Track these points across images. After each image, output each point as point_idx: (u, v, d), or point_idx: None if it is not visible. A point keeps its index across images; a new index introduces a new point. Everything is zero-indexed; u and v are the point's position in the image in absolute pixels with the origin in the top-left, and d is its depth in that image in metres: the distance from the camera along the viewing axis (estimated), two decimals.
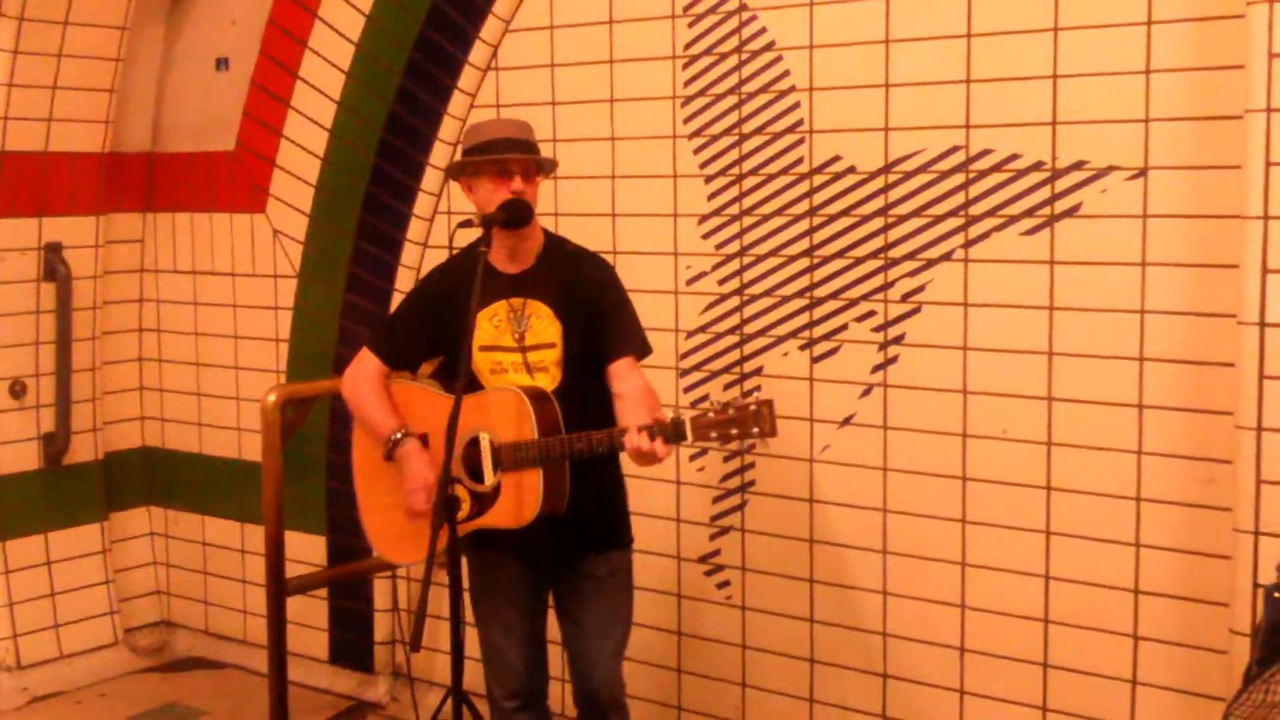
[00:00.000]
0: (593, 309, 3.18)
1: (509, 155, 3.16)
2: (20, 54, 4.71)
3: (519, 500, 3.10)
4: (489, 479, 3.14)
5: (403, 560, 3.35)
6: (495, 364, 3.22)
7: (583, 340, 3.17)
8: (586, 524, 3.18)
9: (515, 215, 3.23)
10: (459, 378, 3.07)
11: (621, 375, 3.14)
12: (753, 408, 2.81)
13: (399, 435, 3.24)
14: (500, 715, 3.38)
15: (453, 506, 3.16)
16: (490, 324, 3.22)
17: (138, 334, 5.40)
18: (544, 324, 3.19)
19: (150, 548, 5.46)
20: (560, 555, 3.24)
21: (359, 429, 3.40)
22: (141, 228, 5.36)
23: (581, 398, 3.15)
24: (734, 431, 2.82)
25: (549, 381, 3.18)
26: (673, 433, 2.88)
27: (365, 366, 3.35)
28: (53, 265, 4.96)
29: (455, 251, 3.37)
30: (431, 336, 3.28)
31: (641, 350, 3.25)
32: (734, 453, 3.95)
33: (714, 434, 2.84)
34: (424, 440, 3.24)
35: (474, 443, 3.16)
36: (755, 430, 2.81)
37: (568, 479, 3.09)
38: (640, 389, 3.12)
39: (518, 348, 3.20)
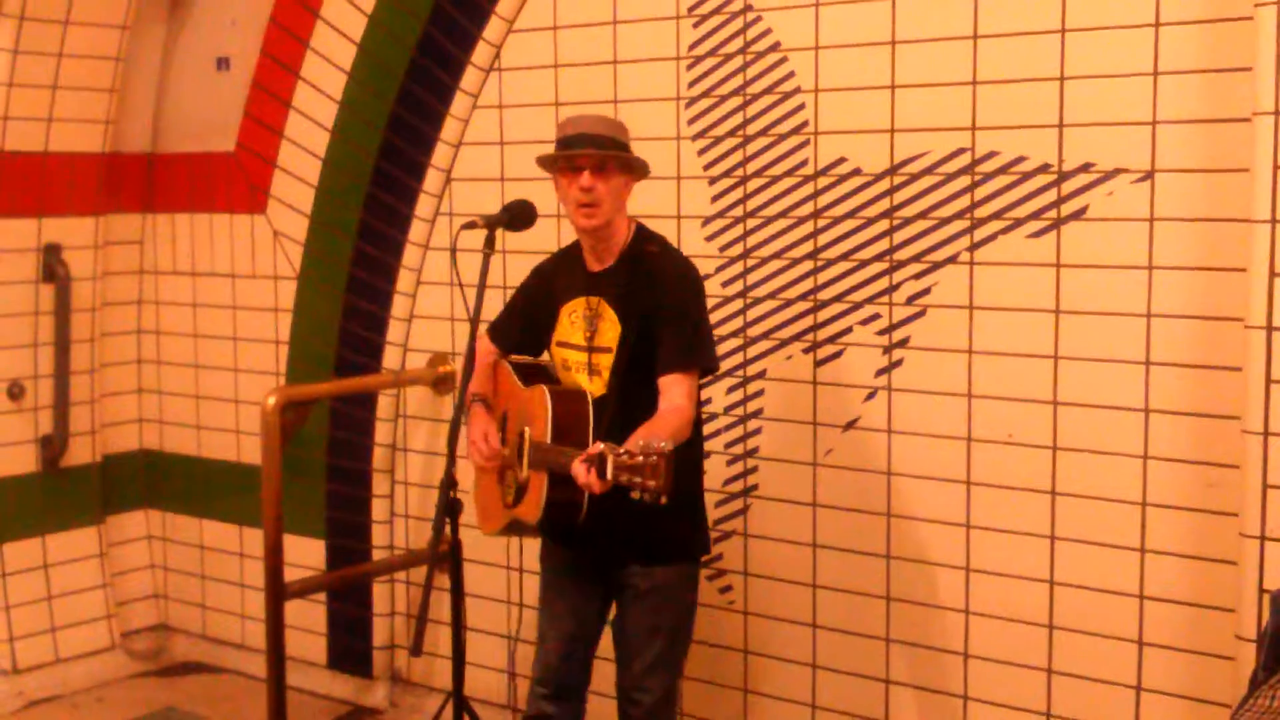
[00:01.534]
0: (652, 315, 3.11)
1: (575, 151, 3.13)
2: (20, 53, 4.70)
3: (533, 499, 3.13)
4: (524, 472, 3.19)
5: (484, 529, 3.39)
6: (565, 361, 3.25)
7: (636, 346, 3.11)
8: (633, 535, 3.15)
9: (517, 216, 3.23)
10: (465, 361, 3.14)
11: (664, 391, 3.08)
12: (653, 459, 2.74)
13: (473, 400, 3.36)
14: (531, 700, 3.38)
15: (455, 508, 3.16)
16: (568, 320, 3.24)
17: (136, 336, 5.39)
18: (609, 326, 3.16)
19: (148, 551, 5.44)
20: (611, 562, 3.23)
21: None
22: (141, 229, 5.35)
23: (630, 406, 3.08)
24: (637, 479, 2.76)
25: (601, 385, 3.16)
26: (599, 467, 2.82)
27: (481, 345, 3.47)
28: (51, 266, 4.94)
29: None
30: (531, 327, 3.35)
31: (698, 365, 3.14)
32: (736, 456, 3.93)
33: (624, 477, 2.78)
34: (504, 418, 3.32)
35: (523, 435, 3.21)
36: (652, 484, 2.74)
37: (582, 491, 3.02)
38: (664, 411, 3.04)
39: (586, 347, 3.19)
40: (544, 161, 3.25)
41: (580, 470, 2.84)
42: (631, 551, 3.19)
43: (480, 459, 3.28)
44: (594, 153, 3.11)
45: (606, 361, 3.15)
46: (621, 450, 2.78)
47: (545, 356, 3.45)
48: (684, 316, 3.13)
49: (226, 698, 4.92)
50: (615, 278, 3.19)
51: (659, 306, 3.11)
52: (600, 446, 2.81)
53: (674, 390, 3.07)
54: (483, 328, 3.42)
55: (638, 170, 3.24)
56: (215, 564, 5.27)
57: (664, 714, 3.28)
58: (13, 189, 4.82)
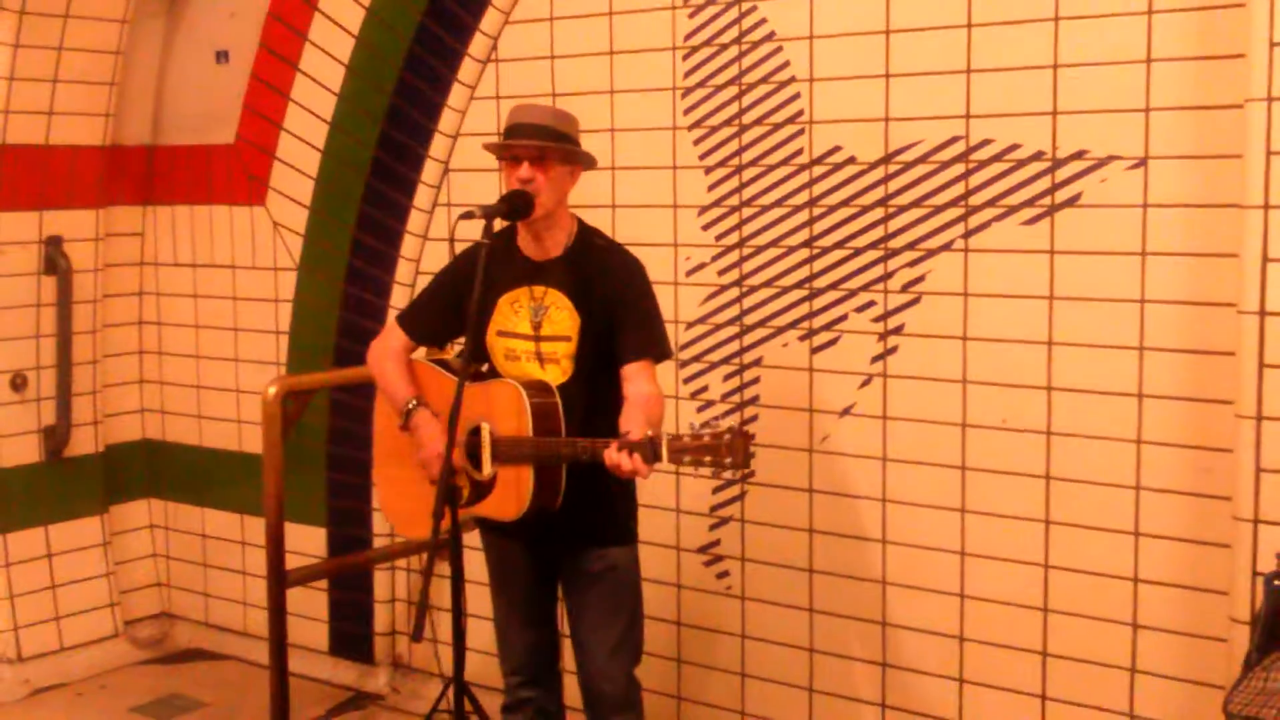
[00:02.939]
0: (611, 306, 3.14)
1: (513, 142, 3.15)
2: (21, 47, 4.72)
3: (512, 494, 3.11)
4: (487, 469, 3.16)
5: (410, 534, 3.35)
6: (509, 350, 3.22)
7: (598, 337, 3.14)
8: (584, 518, 3.18)
9: (515, 206, 3.22)
10: (463, 364, 3.10)
11: (631, 378, 3.11)
12: (727, 438, 2.77)
13: (412, 404, 3.30)
14: (507, 690, 3.42)
15: (455, 496, 3.18)
16: (510, 309, 3.23)
17: (138, 327, 5.41)
18: (562, 315, 3.17)
19: (150, 540, 5.47)
20: (559, 546, 3.25)
21: (380, 398, 3.45)
22: (141, 221, 5.37)
23: (590, 395, 3.13)
24: (707, 459, 2.79)
25: (559, 374, 3.16)
26: (649, 452, 2.84)
27: (390, 339, 3.42)
28: (53, 258, 4.96)
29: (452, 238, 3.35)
30: (453, 315, 3.28)
31: (658, 353, 3.18)
32: None
33: (688, 458, 2.81)
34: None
35: (476, 431, 3.17)
36: (728, 460, 2.78)
37: (563, 478, 3.08)
38: (643, 396, 3.07)
39: (532, 336, 3.19)
40: (490, 150, 3.28)
41: (620, 458, 2.85)
42: (584, 535, 3.20)
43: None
44: (531, 143, 3.13)
45: (564, 350, 3.15)
46: (680, 434, 2.80)
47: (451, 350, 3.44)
48: (643, 306, 3.18)
49: (229, 684, 4.95)
50: (566, 268, 3.19)
51: (617, 296, 3.14)
52: (649, 431, 2.84)
53: (640, 379, 3.10)
54: (390, 316, 3.33)
55: (581, 162, 3.25)
56: (217, 552, 5.30)
57: (634, 697, 3.30)
58: (14, 182, 4.84)
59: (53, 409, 5.01)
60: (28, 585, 4.97)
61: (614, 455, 2.87)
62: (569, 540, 3.23)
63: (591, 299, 3.16)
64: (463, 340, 3.31)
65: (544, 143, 3.13)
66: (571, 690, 3.46)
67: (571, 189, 3.25)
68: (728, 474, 2.81)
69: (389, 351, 3.40)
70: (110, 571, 5.22)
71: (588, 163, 3.29)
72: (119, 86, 5.04)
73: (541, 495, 3.08)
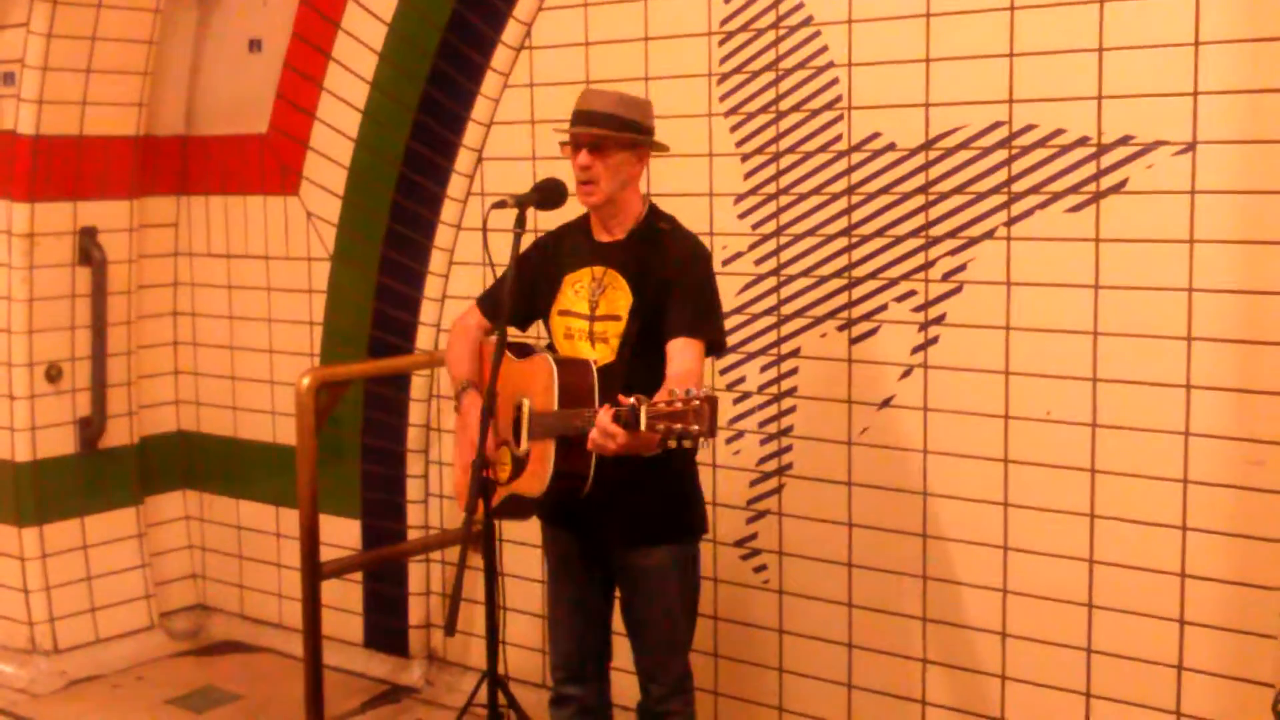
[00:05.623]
0: (666, 287, 3.11)
1: (570, 129, 3.15)
2: (54, 37, 4.72)
3: (536, 470, 3.11)
4: (523, 445, 3.16)
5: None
6: (568, 329, 3.23)
7: (648, 318, 3.12)
8: (635, 513, 3.15)
9: (548, 195, 3.22)
10: (498, 340, 3.12)
11: (671, 357, 3.07)
12: (695, 404, 2.70)
13: (463, 386, 3.36)
14: (554, 683, 3.41)
15: (488, 489, 3.16)
16: (572, 289, 3.24)
17: (172, 318, 5.42)
18: (618, 295, 3.16)
19: (185, 531, 5.49)
20: (612, 541, 3.22)
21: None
22: (175, 211, 5.37)
23: (633, 375, 3.09)
24: (677, 426, 2.72)
25: (607, 353, 3.15)
26: (630, 419, 2.78)
27: (468, 319, 3.48)
28: (88, 249, 4.98)
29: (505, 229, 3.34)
30: (524, 299, 3.30)
31: (707, 334, 3.12)
32: (770, 435, 3.91)
33: (661, 425, 2.73)
34: (492, 396, 3.26)
35: (521, 408, 3.19)
36: (695, 428, 2.70)
37: (590, 459, 3.03)
38: (677, 375, 3.03)
39: (589, 316, 3.19)
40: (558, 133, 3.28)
41: (605, 419, 2.81)
42: (631, 535, 3.18)
43: (489, 452, 3.20)
44: (589, 132, 3.11)
45: (615, 329, 3.15)
46: (656, 400, 2.74)
47: (532, 333, 3.43)
48: (697, 289, 3.14)
49: (264, 677, 4.96)
50: (627, 249, 3.19)
51: (673, 279, 3.11)
52: (631, 399, 2.77)
53: (684, 355, 3.05)
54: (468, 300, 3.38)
55: (649, 147, 3.22)
56: (252, 544, 5.31)
57: (683, 690, 3.29)
58: (49, 173, 4.85)
59: (88, 400, 5.03)
60: (64, 577, 4.99)
61: (603, 417, 2.82)
62: (621, 536, 3.20)
63: (647, 280, 3.14)
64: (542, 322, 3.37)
65: (602, 131, 3.11)
66: (620, 688, 3.45)
67: (640, 174, 3.22)
68: (689, 443, 2.72)
69: (463, 329, 3.46)
70: (145, 563, 5.24)
71: (656, 149, 3.26)
72: (152, 76, 5.04)
73: (563, 470, 3.04)
